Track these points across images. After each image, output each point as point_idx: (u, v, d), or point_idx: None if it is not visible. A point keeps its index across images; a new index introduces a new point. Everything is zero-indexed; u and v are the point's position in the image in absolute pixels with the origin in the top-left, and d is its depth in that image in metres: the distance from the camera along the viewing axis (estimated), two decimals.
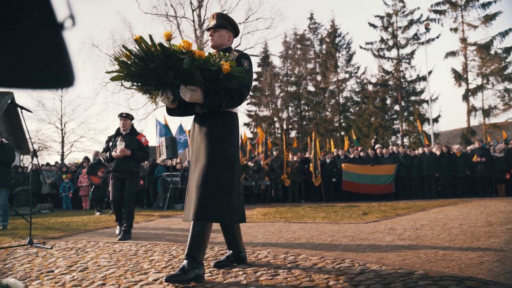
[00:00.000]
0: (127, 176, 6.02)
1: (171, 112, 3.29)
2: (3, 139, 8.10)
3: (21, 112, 5.31)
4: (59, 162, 19.36)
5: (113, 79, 2.81)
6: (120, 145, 5.94)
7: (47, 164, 16.97)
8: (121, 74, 2.75)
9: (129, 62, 2.69)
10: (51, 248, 4.84)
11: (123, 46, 2.69)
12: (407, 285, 2.57)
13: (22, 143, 21.72)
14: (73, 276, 3.30)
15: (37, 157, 6.35)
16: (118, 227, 6.20)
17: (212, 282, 2.90)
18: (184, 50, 2.67)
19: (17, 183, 15.34)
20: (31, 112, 5.51)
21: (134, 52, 2.63)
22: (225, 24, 3.37)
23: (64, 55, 0.64)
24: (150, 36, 2.60)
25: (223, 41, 3.36)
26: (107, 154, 6.16)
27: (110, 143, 6.26)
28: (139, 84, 2.89)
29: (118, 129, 6.29)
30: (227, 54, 3.06)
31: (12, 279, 2.06)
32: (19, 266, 3.84)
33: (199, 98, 2.89)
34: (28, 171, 16.79)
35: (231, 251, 3.55)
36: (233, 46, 3.56)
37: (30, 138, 6.28)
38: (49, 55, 0.62)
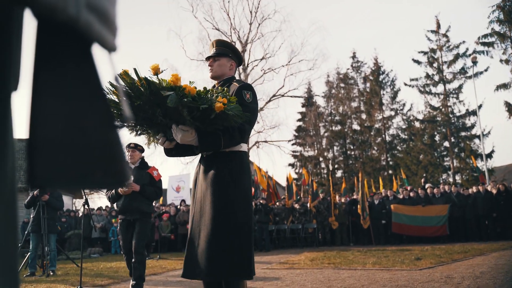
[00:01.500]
0: (137, 217, 5.16)
1: (168, 152, 2.90)
2: None
3: None
4: (109, 206, 19.92)
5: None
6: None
7: (98, 208, 17.48)
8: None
9: (117, 100, 2.39)
10: None
11: (109, 82, 2.35)
12: None
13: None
14: None
15: (88, 205, 6.54)
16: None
17: None
18: (172, 86, 2.36)
19: (69, 227, 15.84)
20: None
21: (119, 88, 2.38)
22: (226, 51, 3.02)
23: (118, 156, 0.65)
24: (135, 70, 2.34)
25: (223, 71, 3.00)
26: (113, 191, 5.29)
27: None
28: (130, 124, 2.57)
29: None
30: (225, 89, 2.69)
31: None
32: None
33: (192, 139, 2.54)
34: (80, 215, 17.34)
35: None
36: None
37: None
38: (104, 159, 0.64)
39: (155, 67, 2.42)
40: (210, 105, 2.35)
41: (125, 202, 5.16)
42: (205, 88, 2.52)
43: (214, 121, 2.44)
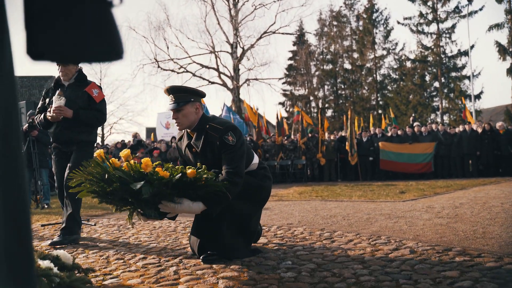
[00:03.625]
0: (74, 148, 4.06)
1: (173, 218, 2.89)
2: None
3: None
4: (100, 143, 20.03)
5: (81, 195, 2.57)
6: (58, 102, 3.95)
7: None
8: (84, 190, 2.54)
9: (87, 179, 2.50)
10: (94, 225, 5.08)
11: (80, 167, 2.48)
12: (443, 261, 2.56)
13: None
14: (116, 250, 3.45)
15: None
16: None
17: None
18: (143, 172, 2.41)
19: None
20: None
21: (92, 173, 2.46)
22: (186, 98, 2.86)
23: (113, 30, 0.69)
24: (105, 158, 2.48)
25: (191, 119, 2.88)
26: (42, 116, 4.11)
27: (47, 100, 4.19)
28: (106, 201, 2.58)
29: (58, 79, 4.16)
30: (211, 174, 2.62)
31: (61, 251, 2.19)
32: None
33: (190, 209, 2.58)
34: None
35: None
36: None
37: None
38: (100, 31, 0.67)
39: (126, 154, 2.54)
40: (182, 171, 2.44)
41: (57, 131, 4.05)
42: (182, 167, 2.57)
43: (192, 186, 2.50)
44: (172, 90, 2.88)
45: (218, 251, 2.82)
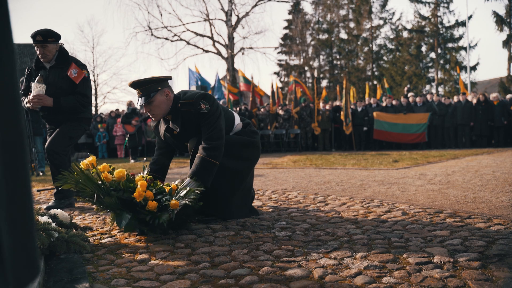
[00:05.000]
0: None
1: None
2: None
3: None
4: (94, 113, 19.92)
5: (65, 187, 2.52)
6: (37, 89, 3.71)
7: None
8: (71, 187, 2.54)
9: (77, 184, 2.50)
10: None
11: (68, 172, 2.51)
12: (434, 222, 2.62)
13: None
14: None
15: None
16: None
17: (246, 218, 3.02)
18: (133, 198, 2.45)
19: None
20: None
21: (81, 183, 2.48)
22: (152, 88, 2.79)
23: None
24: (95, 168, 2.53)
25: (163, 107, 2.84)
26: (25, 102, 3.83)
27: (31, 83, 3.89)
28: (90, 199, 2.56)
29: (38, 60, 3.91)
30: (172, 189, 2.65)
31: (59, 210, 2.22)
32: None
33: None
34: None
35: None
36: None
37: None
38: None
39: (120, 176, 2.56)
40: (167, 205, 2.48)
41: (44, 115, 3.95)
42: (168, 185, 2.67)
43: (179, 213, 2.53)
44: (137, 85, 2.80)
45: (213, 211, 2.87)
